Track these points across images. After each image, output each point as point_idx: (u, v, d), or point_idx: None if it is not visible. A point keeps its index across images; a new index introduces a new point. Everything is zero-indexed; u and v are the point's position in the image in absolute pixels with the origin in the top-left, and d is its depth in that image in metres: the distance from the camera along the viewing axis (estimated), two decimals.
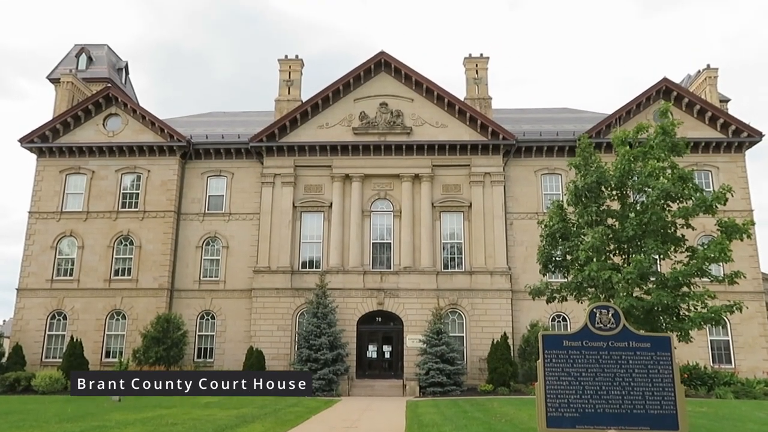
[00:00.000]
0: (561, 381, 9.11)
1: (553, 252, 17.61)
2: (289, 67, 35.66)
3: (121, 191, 33.09)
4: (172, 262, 32.07)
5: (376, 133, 32.81)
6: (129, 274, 31.95)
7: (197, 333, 31.41)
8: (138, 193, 32.99)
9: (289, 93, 35.27)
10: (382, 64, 33.80)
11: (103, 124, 34.04)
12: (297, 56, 35.85)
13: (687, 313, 15.84)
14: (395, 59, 33.60)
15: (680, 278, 15.38)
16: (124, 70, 43.38)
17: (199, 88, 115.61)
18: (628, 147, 16.70)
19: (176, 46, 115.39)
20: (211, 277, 32.24)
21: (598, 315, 9.50)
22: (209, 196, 33.31)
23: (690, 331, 15.49)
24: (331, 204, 32.26)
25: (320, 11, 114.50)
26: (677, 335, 15.40)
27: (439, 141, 32.28)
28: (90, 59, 41.24)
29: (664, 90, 32.93)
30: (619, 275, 15.20)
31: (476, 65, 34.69)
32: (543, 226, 17.97)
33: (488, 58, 34.96)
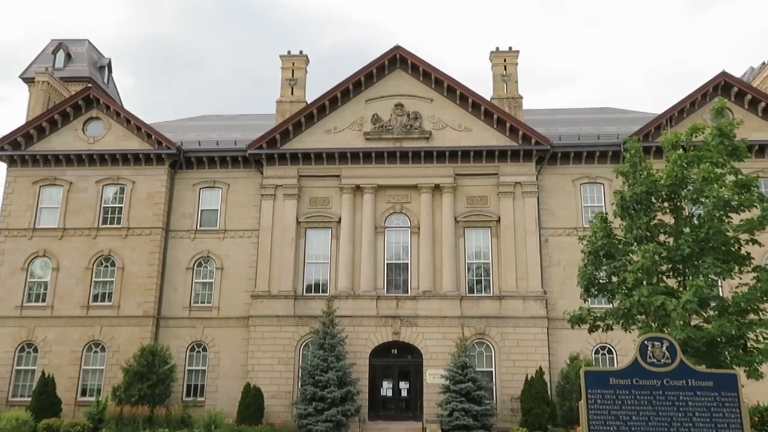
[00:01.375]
0: (608, 426, 8.93)
1: (596, 273, 17.49)
2: (293, 64, 35.96)
3: (102, 205, 33.39)
4: (159, 285, 32.20)
5: (391, 138, 32.92)
6: (110, 300, 32.12)
7: (186, 367, 31.39)
8: (121, 208, 33.28)
9: (292, 93, 35.54)
10: (397, 60, 33.99)
11: (83, 130, 34.50)
12: (301, 52, 36.22)
13: (756, 345, 15.51)
14: (412, 54, 33.79)
15: (746, 303, 15.09)
16: (106, 68, 44.16)
17: (192, 88, 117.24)
18: (680, 151, 16.54)
19: (167, 41, 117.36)
20: (204, 302, 32.32)
21: (650, 348, 9.34)
22: (202, 210, 33.51)
23: (760, 366, 15.14)
24: (340, 219, 32.32)
25: (329, 1, 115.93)
26: (745, 371, 15.12)
27: (463, 147, 32.28)
28: (69, 56, 42.05)
29: (723, 85, 32.65)
30: (674, 301, 14.98)
31: (504, 60, 34.76)
32: (584, 243, 17.86)
33: (518, 51, 35.03)
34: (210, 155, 33.56)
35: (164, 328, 31.89)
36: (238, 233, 32.88)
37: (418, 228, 32.10)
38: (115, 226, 33.05)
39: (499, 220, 31.86)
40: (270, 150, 32.87)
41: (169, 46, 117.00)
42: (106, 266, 32.60)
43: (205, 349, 31.65)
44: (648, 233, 16.42)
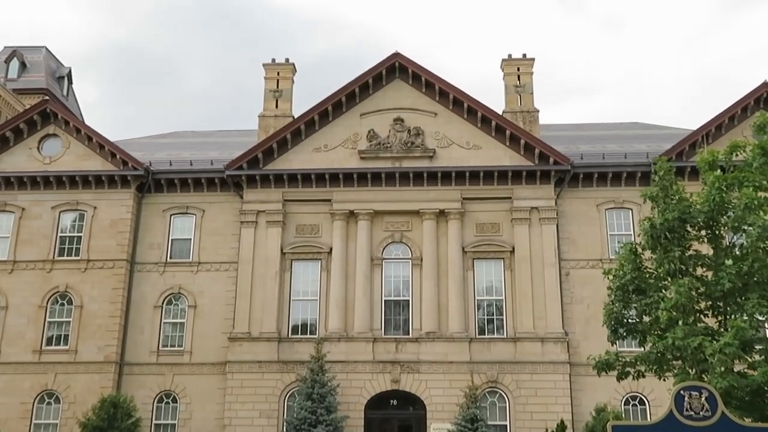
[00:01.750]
0: None
1: (624, 311, 17.48)
2: (278, 73, 36.35)
3: (59, 234, 33.42)
4: (123, 326, 32.10)
5: (389, 157, 33.14)
6: (66, 343, 31.96)
7: (154, 421, 31.15)
8: (80, 237, 33.30)
9: (277, 107, 35.88)
10: (396, 69, 34.36)
11: (38, 148, 34.72)
12: (287, 60, 36.65)
13: None
14: (413, 62, 34.21)
15: None
16: (66, 78, 44.68)
17: (165, 101, 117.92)
18: (719, 172, 16.65)
19: (136, 47, 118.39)
20: (174, 346, 32.19)
21: (687, 398, 9.37)
22: (172, 240, 33.58)
23: None
24: (331, 250, 32.38)
25: (320, 4, 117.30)
26: None
27: (471, 167, 32.50)
28: (23, 65, 42.55)
29: (766, 98, 32.99)
30: (714, 344, 14.92)
31: (518, 69, 35.19)
32: (610, 278, 17.84)
33: (533, 59, 35.50)
34: (182, 177, 33.69)
35: (128, 375, 31.68)
36: (214, 266, 32.88)
37: (421, 259, 32.14)
38: (73, 258, 33.02)
39: (513, 251, 31.92)
40: (251, 171, 33.02)
41: (139, 53, 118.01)
42: (62, 304, 32.49)
43: (175, 400, 31.42)
44: (682, 266, 16.43)
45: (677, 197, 16.82)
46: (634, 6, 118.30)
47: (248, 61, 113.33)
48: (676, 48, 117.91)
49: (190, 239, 33.45)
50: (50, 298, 32.53)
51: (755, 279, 15.56)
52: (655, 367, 16.95)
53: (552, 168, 32.22)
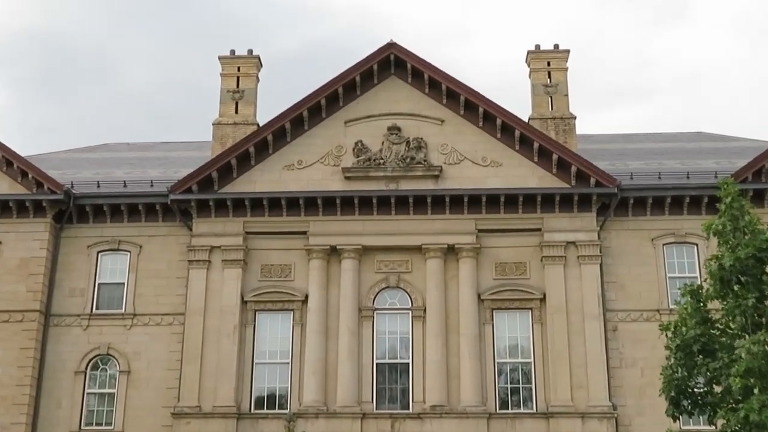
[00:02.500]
0: None
1: (688, 378, 17.41)
2: (238, 69, 36.54)
3: None
4: (35, 398, 31.86)
5: (383, 176, 33.25)
6: None
7: None
8: None
9: (237, 112, 36.00)
10: (391, 64, 34.56)
11: None
12: (251, 52, 36.84)
13: None
14: (413, 55, 34.36)
15: None
16: None
17: (94, 105, 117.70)
18: None
19: (60, 39, 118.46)
20: (101, 424, 31.96)
21: None
22: (100, 284, 33.50)
23: None
24: (307, 297, 32.31)
25: None
26: None
27: (489, 189, 32.59)
28: None
29: None
30: None
31: (548, 64, 35.44)
32: (670, 334, 17.86)
33: (567, 51, 35.79)
34: (114, 202, 33.61)
35: None
36: (153, 319, 32.75)
37: (424, 310, 32.05)
38: None
39: (543, 299, 31.90)
40: (203, 194, 33.03)
41: (64, 45, 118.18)
42: None
43: None
44: (759, 317, 16.53)
45: (751, 230, 16.93)
46: None
47: (202, 54, 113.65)
48: (749, 42, 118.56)
49: (123, 284, 33.33)
50: None
51: None
52: None
53: (594, 191, 32.29)
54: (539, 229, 32.63)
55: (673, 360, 17.62)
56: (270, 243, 33.22)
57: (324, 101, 33.97)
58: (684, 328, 17.31)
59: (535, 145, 32.95)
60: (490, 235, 32.75)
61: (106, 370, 32.57)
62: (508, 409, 31.26)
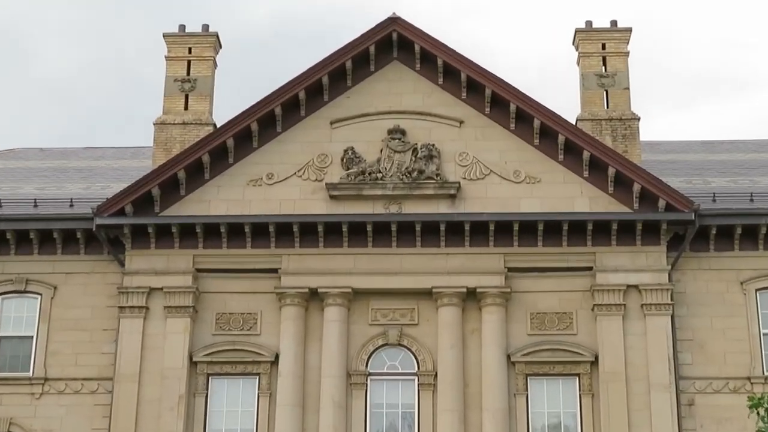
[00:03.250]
0: None
1: None
2: (189, 50, 36.90)
3: None
4: None
5: (381, 195, 33.23)
6: None
7: None
8: None
9: (186, 108, 36.26)
10: (394, 46, 34.72)
11: None
12: (207, 28, 37.02)
13: None
14: (422, 34, 34.35)
15: None
16: None
17: (7, 95, 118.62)
18: None
19: None
20: None
21: None
22: (1, 338, 33.44)
23: None
24: (277, 357, 32.20)
25: None
26: None
27: (523, 214, 32.55)
28: None
29: None
30: None
31: (603, 47, 35.76)
32: (762, 411, 17.46)
33: (630, 30, 36.03)
34: (20, 227, 33.59)
35: None
36: (71, 386, 32.55)
37: (434, 376, 31.98)
38: None
39: (595, 362, 31.83)
40: (140, 218, 32.96)
41: None
42: None
43: None
44: None
45: None
46: None
47: (143, 31, 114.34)
48: None
49: (32, 338, 33.24)
50: None
51: None
52: None
53: (664, 217, 32.14)
54: (590, 268, 32.57)
55: None
56: (229, 284, 33.13)
57: (303, 94, 33.96)
58: None
59: (585, 154, 32.83)
60: (524, 275, 32.75)
61: None
62: None
